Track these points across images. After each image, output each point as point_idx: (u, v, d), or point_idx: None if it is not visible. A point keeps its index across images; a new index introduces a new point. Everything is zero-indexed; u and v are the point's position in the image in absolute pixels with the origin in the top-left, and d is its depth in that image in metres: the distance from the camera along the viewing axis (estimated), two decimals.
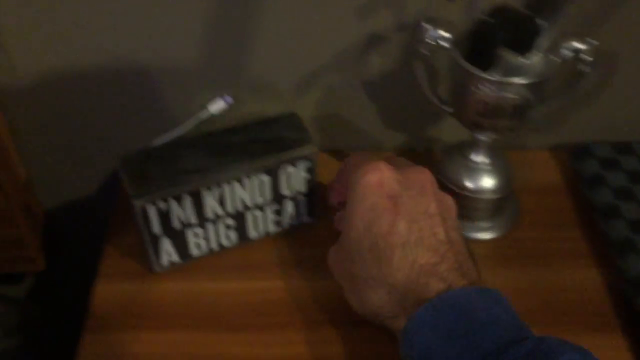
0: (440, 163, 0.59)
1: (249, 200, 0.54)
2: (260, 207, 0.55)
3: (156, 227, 0.51)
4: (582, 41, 0.49)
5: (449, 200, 0.46)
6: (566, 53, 0.49)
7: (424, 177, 0.45)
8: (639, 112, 0.65)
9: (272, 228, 0.57)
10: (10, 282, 0.74)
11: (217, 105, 0.61)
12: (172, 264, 0.55)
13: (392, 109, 0.65)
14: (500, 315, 0.40)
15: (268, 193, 0.54)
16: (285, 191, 0.55)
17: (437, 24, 0.49)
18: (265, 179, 0.53)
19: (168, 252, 0.54)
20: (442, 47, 0.49)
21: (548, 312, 0.53)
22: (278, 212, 0.56)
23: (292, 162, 0.53)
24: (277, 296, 0.54)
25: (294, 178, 0.54)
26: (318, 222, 0.58)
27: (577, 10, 0.47)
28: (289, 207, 0.56)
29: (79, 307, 0.56)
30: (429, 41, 0.49)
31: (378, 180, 0.44)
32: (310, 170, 0.54)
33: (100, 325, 0.52)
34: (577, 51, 0.49)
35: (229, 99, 0.61)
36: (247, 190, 0.53)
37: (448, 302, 0.40)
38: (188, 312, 0.53)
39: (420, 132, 0.67)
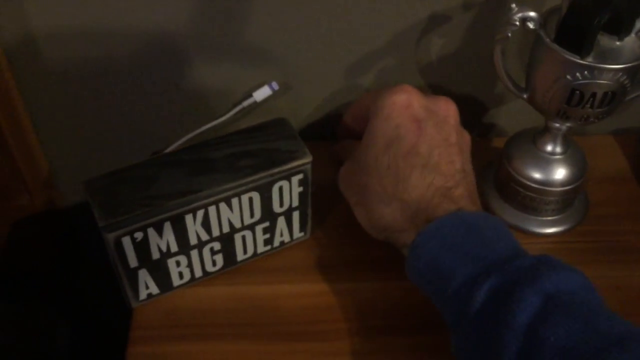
0: (505, 151, 0.55)
1: (238, 221, 0.48)
2: (250, 227, 0.49)
3: (132, 259, 0.45)
4: None
5: (467, 135, 0.48)
6: None
7: (449, 107, 0.46)
8: None
9: (262, 248, 0.51)
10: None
11: (263, 92, 0.56)
12: (151, 296, 0.49)
13: (448, 93, 0.60)
14: (505, 236, 0.42)
15: (258, 211, 0.48)
16: (277, 208, 0.49)
17: (524, 2, 0.44)
18: (255, 196, 0.47)
19: (147, 284, 0.47)
20: (528, 28, 0.44)
21: (620, 314, 0.49)
22: (269, 230, 0.50)
23: (286, 176, 0.47)
24: (332, 299, 0.50)
25: (287, 193, 0.48)
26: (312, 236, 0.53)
27: None
28: (281, 224, 0.50)
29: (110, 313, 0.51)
30: (515, 22, 0.44)
31: (406, 101, 0.44)
32: (304, 183, 0.48)
33: (144, 337, 0.48)
34: None
35: (275, 86, 0.56)
36: (235, 211, 0.47)
37: (457, 219, 0.42)
38: (234, 320, 0.49)
39: (476, 117, 0.63)
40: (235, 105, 0.57)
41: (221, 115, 0.57)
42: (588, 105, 0.45)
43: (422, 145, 0.44)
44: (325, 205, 0.56)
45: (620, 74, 0.44)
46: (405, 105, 0.44)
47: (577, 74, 0.44)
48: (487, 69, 0.57)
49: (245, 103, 0.56)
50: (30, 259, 0.65)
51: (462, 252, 0.41)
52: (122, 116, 0.59)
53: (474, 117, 0.62)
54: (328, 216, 0.55)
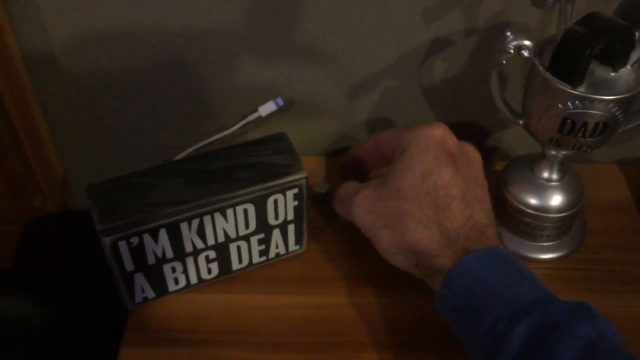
0: (503, 176, 0.55)
1: (232, 232, 0.49)
2: (245, 238, 0.50)
3: (128, 263, 0.47)
4: None
5: (486, 183, 0.49)
6: None
7: (476, 152, 0.48)
8: None
9: (257, 259, 0.52)
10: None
11: (268, 107, 0.57)
12: (147, 299, 0.50)
13: (450, 116, 0.61)
14: (538, 280, 0.43)
15: (253, 223, 0.49)
16: (272, 221, 0.50)
17: (519, 31, 0.45)
18: (250, 208, 0.48)
19: (142, 288, 0.49)
20: (523, 56, 0.45)
21: None
22: (264, 242, 0.51)
23: (281, 190, 0.48)
24: (325, 313, 0.51)
25: (282, 206, 0.49)
26: (308, 250, 0.54)
27: None
28: (276, 236, 0.51)
29: (112, 313, 0.53)
30: (510, 50, 0.45)
31: (442, 136, 0.46)
32: (299, 197, 0.49)
33: (138, 339, 0.49)
34: None
35: (280, 101, 0.57)
36: (230, 222, 0.48)
37: (496, 255, 0.42)
38: (227, 328, 0.50)
39: (477, 141, 0.63)
40: (242, 119, 0.58)
41: (228, 128, 0.59)
42: (580, 135, 0.46)
43: (459, 179, 0.45)
44: (322, 220, 0.57)
45: (612, 105, 0.44)
46: (442, 140, 0.46)
47: (569, 103, 0.44)
48: (489, 93, 0.58)
49: (251, 117, 0.58)
50: (41, 258, 0.67)
51: (501, 287, 0.41)
52: (133, 125, 0.62)
53: (477, 140, 0.63)
54: (325, 230, 0.57)
